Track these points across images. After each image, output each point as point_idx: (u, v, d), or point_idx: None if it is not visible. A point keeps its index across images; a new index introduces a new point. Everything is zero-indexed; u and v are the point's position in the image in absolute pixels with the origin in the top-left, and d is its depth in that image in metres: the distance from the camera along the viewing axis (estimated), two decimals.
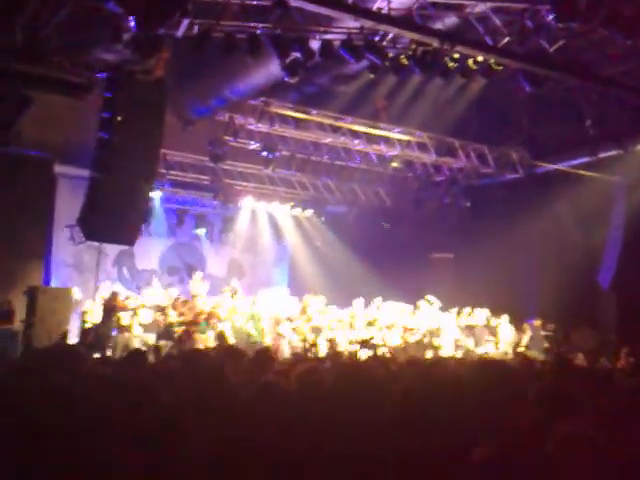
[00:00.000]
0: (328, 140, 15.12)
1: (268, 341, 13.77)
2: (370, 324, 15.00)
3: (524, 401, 2.85)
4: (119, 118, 9.70)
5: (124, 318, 12.97)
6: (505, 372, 2.83)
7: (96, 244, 14.89)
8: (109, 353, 12.36)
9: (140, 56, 9.22)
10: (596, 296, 15.07)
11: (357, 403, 2.82)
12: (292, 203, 18.05)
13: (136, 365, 5.61)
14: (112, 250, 16.22)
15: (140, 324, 13.31)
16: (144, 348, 12.84)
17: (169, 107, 10.86)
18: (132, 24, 9.02)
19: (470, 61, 10.00)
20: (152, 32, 8.88)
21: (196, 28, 9.28)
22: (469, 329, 15.94)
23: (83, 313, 13.43)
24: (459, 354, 14.69)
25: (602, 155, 13.73)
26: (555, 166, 14.88)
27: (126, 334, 12.92)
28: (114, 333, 13.02)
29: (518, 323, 15.49)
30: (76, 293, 13.74)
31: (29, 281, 13.84)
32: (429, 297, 15.82)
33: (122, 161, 10.06)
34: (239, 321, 14.03)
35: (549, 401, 3.70)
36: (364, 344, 13.36)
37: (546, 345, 14.99)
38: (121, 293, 13.95)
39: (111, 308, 12.90)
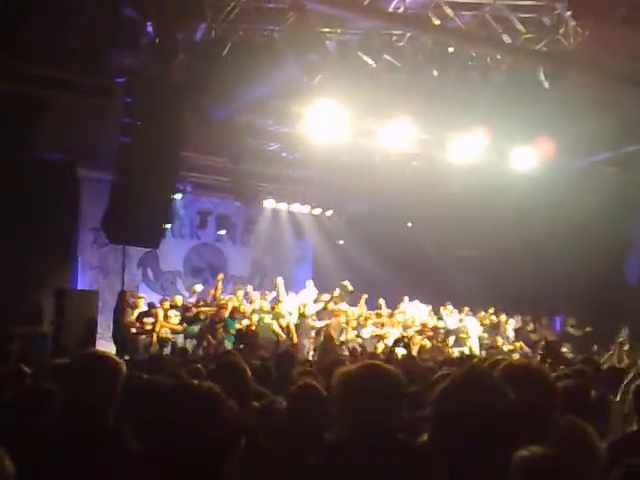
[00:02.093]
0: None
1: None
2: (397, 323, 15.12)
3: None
4: (139, 123, 9.78)
5: (148, 323, 13.14)
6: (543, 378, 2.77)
7: (121, 246, 15.05)
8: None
9: (158, 61, 9.30)
10: (623, 291, 14.86)
11: None
12: (313, 203, 18.09)
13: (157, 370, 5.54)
14: (136, 252, 16.35)
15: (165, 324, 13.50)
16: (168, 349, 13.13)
17: (189, 110, 10.92)
18: (150, 29, 9.14)
19: (488, 59, 9.96)
20: (170, 37, 8.98)
21: (213, 32, 9.35)
22: (493, 327, 15.89)
23: None
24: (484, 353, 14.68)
25: (626, 150, 13.52)
26: (579, 161, 14.63)
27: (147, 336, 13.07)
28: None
29: (543, 320, 15.35)
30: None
31: (57, 283, 14.02)
32: (449, 306, 15.94)
33: (143, 165, 10.11)
34: (266, 318, 14.13)
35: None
36: (397, 342, 13.34)
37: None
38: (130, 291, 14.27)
39: (121, 308, 13.00)
